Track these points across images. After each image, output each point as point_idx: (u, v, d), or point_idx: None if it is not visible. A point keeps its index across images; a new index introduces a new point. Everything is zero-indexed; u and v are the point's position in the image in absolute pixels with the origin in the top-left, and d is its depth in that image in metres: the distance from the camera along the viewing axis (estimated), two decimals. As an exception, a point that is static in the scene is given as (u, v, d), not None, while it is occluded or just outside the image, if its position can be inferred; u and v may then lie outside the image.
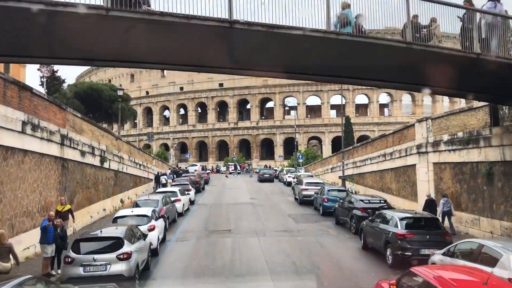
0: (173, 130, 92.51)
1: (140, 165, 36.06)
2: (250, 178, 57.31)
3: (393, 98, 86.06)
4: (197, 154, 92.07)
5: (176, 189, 27.31)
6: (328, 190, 26.29)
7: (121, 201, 29.84)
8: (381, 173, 30.28)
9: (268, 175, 52.16)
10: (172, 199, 24.95)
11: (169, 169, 49.50)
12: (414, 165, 24.89)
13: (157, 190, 30.73)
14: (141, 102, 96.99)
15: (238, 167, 69.57)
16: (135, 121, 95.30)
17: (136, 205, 21.32)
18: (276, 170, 63.46)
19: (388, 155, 28.60)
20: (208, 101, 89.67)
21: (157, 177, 39.89)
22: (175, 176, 44.87)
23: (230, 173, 64.54)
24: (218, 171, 75.78)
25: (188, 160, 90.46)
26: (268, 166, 68.50)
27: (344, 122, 70.53)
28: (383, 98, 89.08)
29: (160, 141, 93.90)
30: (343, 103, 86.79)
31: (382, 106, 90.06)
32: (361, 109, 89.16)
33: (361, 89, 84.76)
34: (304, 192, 30.19)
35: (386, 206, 20.65)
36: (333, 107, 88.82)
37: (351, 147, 41.35)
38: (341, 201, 23.30)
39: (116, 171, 29.07)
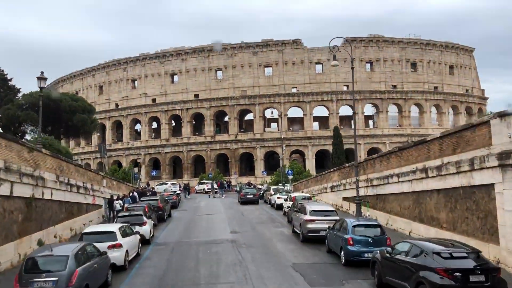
0: (145, 145, 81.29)
1: (80, 187, 25.11)
2: (228, 200, 46.02)
3: (378, 109, 77.16)
4: (170, 170, 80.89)
5: (114, 227, 16.53)
6: (354, 226, 16.09)
7: (39, 242, 18.95)
8: (418, 195, 20.28)
9: (251, 196, 41.10)
10: (105, 244, 14.42)
11: (133, 190, 38.42)
12: (491, 185, 14.98)
13: (86, 230, 19.43)
14: (110, 115, 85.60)
15: (223, 185, 56.07)
16: (99, 134, 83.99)
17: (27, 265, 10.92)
18: (260, 188, 52.87)
19: (432, 170, 18.63)
20: (183, 114, 79.01)
21: (111, 202, 29.21)
22: (138, 198, 34.08)
23: (216, 192, 52.59)
24: (213, 188, 57.18)
25: (161, 177, 79.17)
26: (250, 184, 57.86)
27: (333, 133, 60.99)
28: (368, 109, 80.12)
29: (130, 157, 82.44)
30: (328, 113, 77.85)
31: (367, 118, 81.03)
32: (345, 121, 79.91)
33: (346, 99, 75.67)
34: (310, 226, 19.90)
35: (488, 266, 10.64)
36: (316, 119, 79.34)
37: (362, 160, 31.23)
38: (387, 249, 13.06)
39: (30, 198, 18.27)
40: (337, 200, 34.27)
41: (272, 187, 43.26)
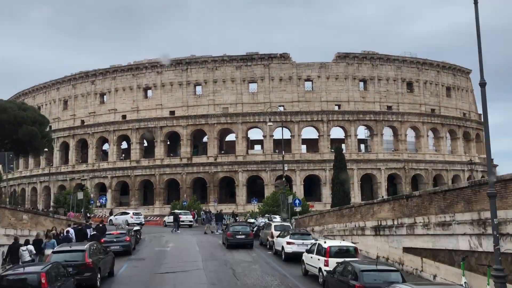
0: (112, 167, 71.94)
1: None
2: (208, 240, 33.69)
3: (373, 132, 70.16)
4: (140, 196, 71.51)
5: None
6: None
7: None
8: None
9: (243, 236, 28.95)
10: None
11: (72, 224, 28.44)
12: None
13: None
14: (74, 132, 76.25)
15: (221, 217, 44.83)
16: (60, 152, 74.63)
17: None
18: (252, 223, 40.04)
19: None
20: (156, 132, 70.32)
21: (14, 249, 19.24)
22: (76, 238, 24.60)
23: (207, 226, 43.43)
24: (177, 221, 41.94)
25: (130, 203, 69.72)
26: (235, 215, 48.29)
27: (335, 154, 53.55)
28: (362, 132, 73.13)
29: (96, 180, 72.83)
30: (317, 135, 70.36)
31: (359, 141, 73.86)
32: (336, 144, 72.22)
33: (337, 120, 68.54)
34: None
35: None
36: (303, 141, 71.63)
37: (464, 185, 17.16)
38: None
39: None
40: (389, 250, 22.75)
41: (273, 224, 30.65)
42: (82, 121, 76.07)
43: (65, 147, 77.99)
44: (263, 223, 35.19)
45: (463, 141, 76.13)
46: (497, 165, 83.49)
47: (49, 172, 74.12)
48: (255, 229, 34.82)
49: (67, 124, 77.27)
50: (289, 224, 33.45)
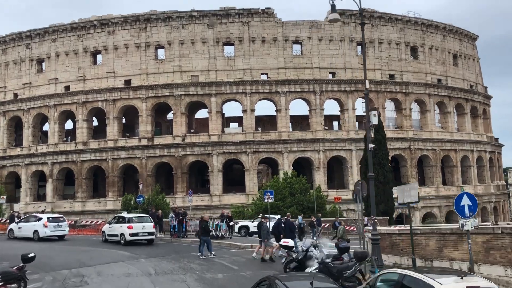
0: (53, 150, 57.09)
1: None
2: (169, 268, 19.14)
3: (373, 105, 58.07)
4: (89, 186, 57.11)
5: None
6: None
7: None
8: None
9: None
10: None
11: None
12: None
13: None
14: (6, 109, 60.66)
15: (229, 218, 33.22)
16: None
17: None
18: (293, 247, 18.31)
19: None
20: (108, 107, 55.88)
21: None
22: None
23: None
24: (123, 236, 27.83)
25: (76, 195, 55.49)
26: (224, 217, 33.03)
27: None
28: (359, 105, 61.13)
29: (33, 167, 57.84)
30: (308, 110, 57.83)
31: (357, 118, 61.75)
32: (328, 122, 60.04)
33: (332, 91, 56.16)
34: None
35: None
36: (290, 119, 58.76)
37: None
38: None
39: None
40: None
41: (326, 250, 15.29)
42: (15, 95, 60.53)
43: (-6, 127, 62.30)
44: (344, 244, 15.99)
45: (470, 117, 65.56)
46: (503, 145, 73.90)
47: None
48: (296, 257, 16.50)
49: (-4, 98, 61.59)
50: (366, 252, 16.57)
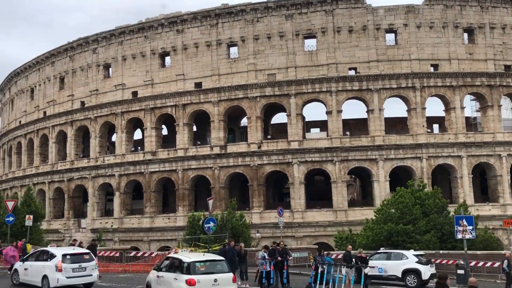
0: (121, 161, 52.72)
1: None
2: None
3: (486, 103, 48.02)
4: (158, 200, 51.96)
5: None
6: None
7: None
8: None
9: None
10: None
11: None
12: None
13: None
14: (73, 118, 57.56)
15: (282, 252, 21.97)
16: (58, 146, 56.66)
17: None
18: None
19: None
20: (178, 112, 50.62)
21: None
22: None
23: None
24: None
25: (144, 211, 50.54)
26: (361, 261, 22.18)
27: None
28: (468, 103, 51.13)
29: (100, 180, 53.86)
30: (406, 109, 48.85)
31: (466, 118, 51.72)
32: (428, 123, 50.55)
33: (435, 86, 46.98)
34: None
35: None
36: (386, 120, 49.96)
37: None
38: None
39: None
40: None
41: None
42: (82, 103, 57.32)
43: (62, 139, 59.60)
44: None
45: None
46: None
47: (50, 171, 56.88)
48: None
49: (64, 107, 58.81)
50: None
